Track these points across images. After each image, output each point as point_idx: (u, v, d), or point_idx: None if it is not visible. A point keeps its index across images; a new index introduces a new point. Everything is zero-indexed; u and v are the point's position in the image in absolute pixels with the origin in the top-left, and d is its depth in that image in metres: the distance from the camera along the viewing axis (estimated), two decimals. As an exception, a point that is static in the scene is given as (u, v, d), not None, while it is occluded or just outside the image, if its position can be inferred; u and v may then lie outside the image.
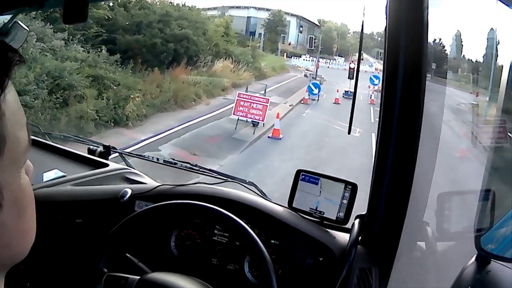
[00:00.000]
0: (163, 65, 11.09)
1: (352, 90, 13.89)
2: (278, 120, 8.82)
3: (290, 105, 12.00)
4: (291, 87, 15.32)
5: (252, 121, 8.91)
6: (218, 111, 10.26)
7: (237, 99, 9.08)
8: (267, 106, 8.93)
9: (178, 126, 8.56)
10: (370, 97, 14.04)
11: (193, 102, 10.73)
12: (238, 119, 8.95)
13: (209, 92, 11.80)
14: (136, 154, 1.60)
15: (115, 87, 8.60)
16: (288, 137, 8.67)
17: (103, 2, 11.11)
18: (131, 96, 8.62)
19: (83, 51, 8.79)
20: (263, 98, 9.23)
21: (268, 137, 8.56)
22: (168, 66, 11.30)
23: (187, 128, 8.60)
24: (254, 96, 9.26)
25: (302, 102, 12.89)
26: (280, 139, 8.46)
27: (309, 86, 13.16)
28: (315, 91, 13.00)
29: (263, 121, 8.86)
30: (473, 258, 0.95)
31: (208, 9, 19.92)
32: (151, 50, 11.01)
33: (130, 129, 8.08)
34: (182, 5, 13.91)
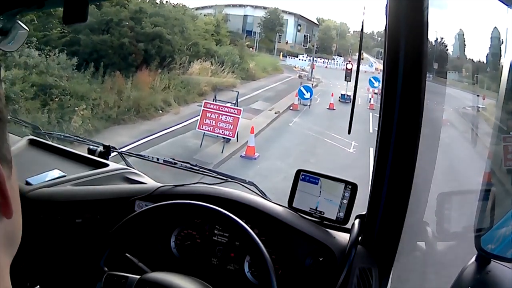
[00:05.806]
0: (131, 68, 9.72)
1: (349, 93, 13.25)
2: (252, 136, 7.36)
3: (276, 112, 10.57)
4: (281, 90, 13.71)
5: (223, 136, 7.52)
6: (186, 122, 8.64)
7: (203, 110, 7.54)
8: (239, 118, 7.44)
9: (129, 144, 6.86)
10: (369, 102, 12.69)
11: (160, 111, 9.24)
12: (204, 134, 7.49)
13: (182, 98, 10.26)
14: (136, 154, 1.61)
15: (62, 97, 7.32)
16: (265, 157, 7.15)
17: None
18: (76, 108, 7.32)
19: (38, 55, 7.71)
20: (234, 108, 7.71)
21: (241, 156, 7.14)
22: (137, 69, 9.88)
23: (141, 146, 6.97)
24: (223, 106, 7.68)
25: (291, 108, 11.33)
26: (255, 158, 7.05)
27: (299, 89, 11.69)
28: (307, 95, 11.51)
29: (233, 137, 7.44)
30: (473, 258, 0.95)
31: (203, 7, 19.72)
32: (118, 51, 9.67)
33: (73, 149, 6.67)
34: (166, 1, 12.56)
